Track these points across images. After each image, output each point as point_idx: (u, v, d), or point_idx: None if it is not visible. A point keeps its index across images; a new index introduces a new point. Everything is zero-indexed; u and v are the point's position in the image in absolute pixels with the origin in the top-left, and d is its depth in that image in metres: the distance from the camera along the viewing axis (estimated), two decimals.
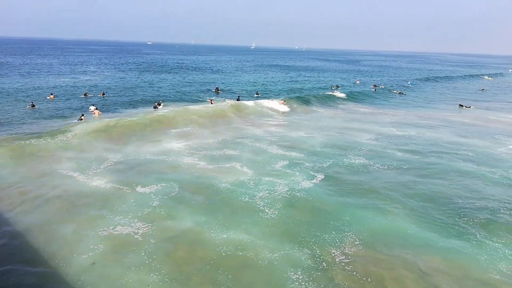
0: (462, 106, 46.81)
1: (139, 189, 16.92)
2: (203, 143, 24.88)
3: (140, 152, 22.51)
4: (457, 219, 14.96)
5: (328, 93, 50.73)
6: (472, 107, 46.75)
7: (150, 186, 17.18)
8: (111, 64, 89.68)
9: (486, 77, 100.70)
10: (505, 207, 16.21)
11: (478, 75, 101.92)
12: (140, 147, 23.36)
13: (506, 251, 12.83)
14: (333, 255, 12.19)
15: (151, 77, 64.05)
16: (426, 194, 17.29)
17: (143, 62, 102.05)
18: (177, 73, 75.23)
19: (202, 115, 32.11)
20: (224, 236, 13.14)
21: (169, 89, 49.92)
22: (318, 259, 11.95)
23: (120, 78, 60.80)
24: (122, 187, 17.13)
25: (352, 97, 50.33)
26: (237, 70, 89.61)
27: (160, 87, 51.49)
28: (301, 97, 45.56)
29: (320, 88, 58.91)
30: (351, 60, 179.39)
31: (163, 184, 17.45)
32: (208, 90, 50.56)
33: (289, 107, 40.42)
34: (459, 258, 12.33)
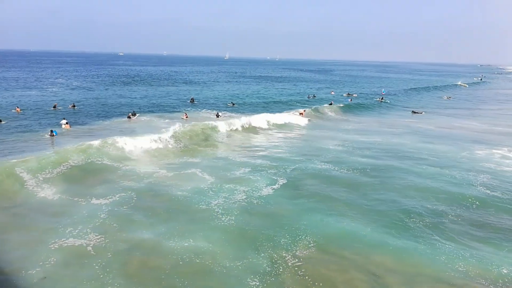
0: (415, 112, 48.29)
1: (94, 199, 16.52)
2: (164, 150, 24.69)
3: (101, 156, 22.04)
4: (412, 221, 15.34)
5: (327, 104, 50.02)
6: (423, 112, 48.40)
7: (106, 196, 16.82)
8: (82, 76, 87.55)
9: (460, 82, 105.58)
10: (461, 208, 16.83)
11: (453, 84, 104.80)
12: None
13: (461, 252, 13.16)
14: (287, 259, 12.25)
15: (124, 89, 62.95)
16: (383, 197, 17.69)
17: (115, 73, 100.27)
18: (150, 84, 74.23)
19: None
20: (182, 244, 12.98)
21: (143, 100, 49.14)
22: (273, 264, 11.98)
23: (91, 89, 59.48)
24: (74, 197, 16.66)
25: (350, 108, 50.54)
26: (212, 81, 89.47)
27: (134, 98, 50.69)
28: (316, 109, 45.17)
29: (297, 98, 59.00)
30: (323, 70, 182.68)
31: (122, 194, 17.14)
32: (184, 101, 49.93)
33: (308, 120, 39.96)
34: (412, 258, 12.60)
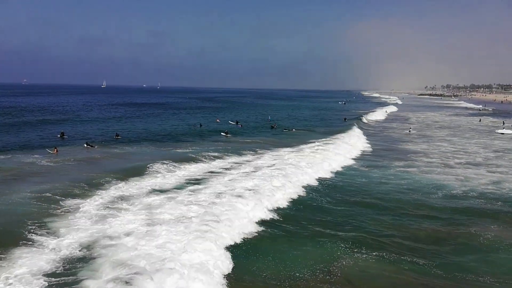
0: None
1: None
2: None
3: None
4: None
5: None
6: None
7: None
8: None
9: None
10: None
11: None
12: None
13: None
14: None
15: None
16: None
17: None
18: (8, 118, 63.15)
19: None
20: None
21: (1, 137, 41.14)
22: None
23: None
24: None
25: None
26: (87, 112, 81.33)
27: None
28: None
29: (184, 128, 56.58)
30: (205, 98, 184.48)
31: None
32: (53, 136, 43.35)
33: None
34: None
